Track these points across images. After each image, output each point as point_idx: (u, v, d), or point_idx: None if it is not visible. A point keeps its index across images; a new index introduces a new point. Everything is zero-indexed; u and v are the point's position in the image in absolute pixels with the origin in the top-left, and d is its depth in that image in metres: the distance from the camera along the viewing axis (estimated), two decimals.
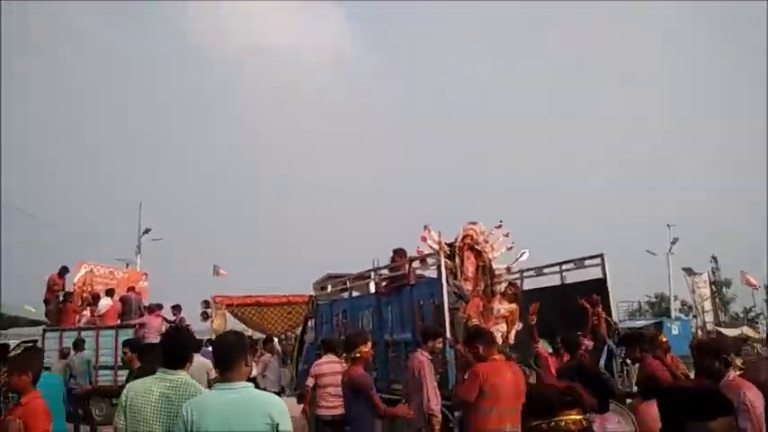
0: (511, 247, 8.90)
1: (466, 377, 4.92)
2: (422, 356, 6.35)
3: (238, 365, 2.90)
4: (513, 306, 8.03)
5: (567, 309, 7.86)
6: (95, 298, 14.52)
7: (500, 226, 8.83)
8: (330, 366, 6.90)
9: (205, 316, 18.75)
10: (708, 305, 32.36)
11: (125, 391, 3.23)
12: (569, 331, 7.03)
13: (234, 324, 20.60)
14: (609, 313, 7.68)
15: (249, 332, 18.36)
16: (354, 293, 9.82)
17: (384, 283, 8.54)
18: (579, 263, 8.46)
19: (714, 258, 41.55)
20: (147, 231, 27.43)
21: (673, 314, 32.73)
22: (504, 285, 8.54)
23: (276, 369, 10.71)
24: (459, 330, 7.19)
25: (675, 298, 35.23)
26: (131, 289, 15.65)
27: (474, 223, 8.58)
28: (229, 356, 2.92)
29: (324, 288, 10.91)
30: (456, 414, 6.75)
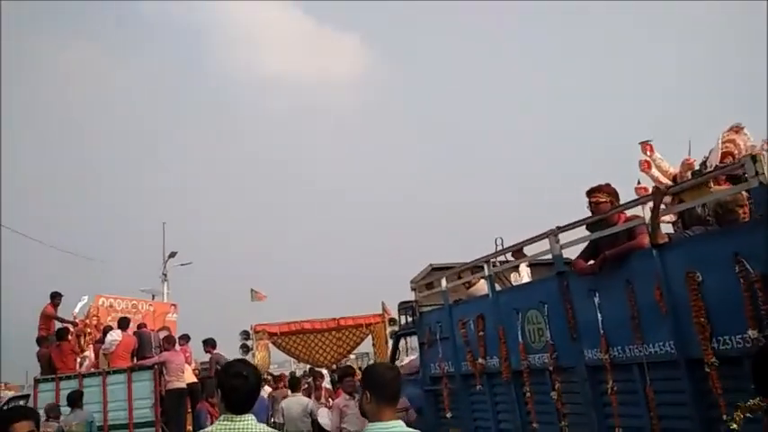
0: None
1: None
2: None
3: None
4: None
5: None
6: (105, 332, 10.87)
7: None
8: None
9: (245, 349, 15.73)
10: None
11: None
12: None
13: (278, 356, 18.45)
14: None
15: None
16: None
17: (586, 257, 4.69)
18: None
19: None
20: (172, 255, 23.42)
21: None
22: None
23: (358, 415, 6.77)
24: None
25: None
26: (143, 326, 11.88)
27: (738, 131, 4.63)
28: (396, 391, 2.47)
29: (431, 286, 7.06)
30: None
